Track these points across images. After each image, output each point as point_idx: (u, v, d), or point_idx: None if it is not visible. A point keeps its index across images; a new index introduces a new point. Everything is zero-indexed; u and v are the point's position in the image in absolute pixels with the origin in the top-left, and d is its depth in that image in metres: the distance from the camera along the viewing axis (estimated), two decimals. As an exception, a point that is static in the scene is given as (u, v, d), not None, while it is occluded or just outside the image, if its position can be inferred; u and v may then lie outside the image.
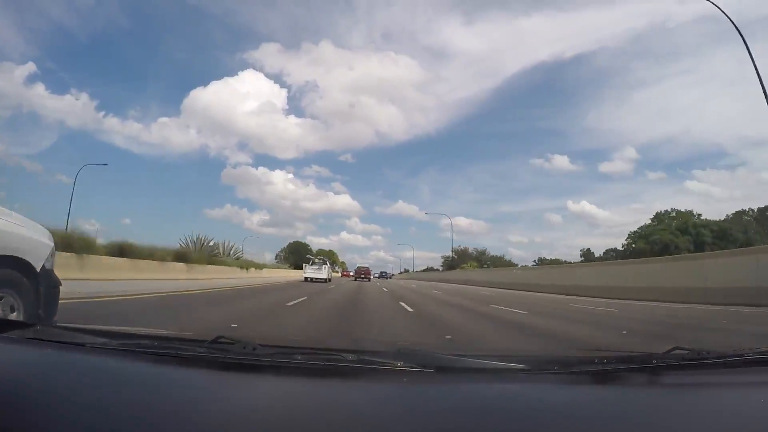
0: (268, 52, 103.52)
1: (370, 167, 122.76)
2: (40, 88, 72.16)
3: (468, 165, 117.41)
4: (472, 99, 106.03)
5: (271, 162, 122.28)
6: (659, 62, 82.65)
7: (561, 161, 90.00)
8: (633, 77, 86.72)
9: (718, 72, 73.08)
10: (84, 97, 79.92)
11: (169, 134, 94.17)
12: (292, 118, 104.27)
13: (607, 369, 0.97)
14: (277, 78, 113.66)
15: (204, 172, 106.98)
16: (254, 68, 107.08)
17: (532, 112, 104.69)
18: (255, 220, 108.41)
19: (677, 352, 1.06)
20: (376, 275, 76.14)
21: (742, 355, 1.05)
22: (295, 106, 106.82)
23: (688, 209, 53.41)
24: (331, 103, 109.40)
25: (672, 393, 0.93)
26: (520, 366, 1.04)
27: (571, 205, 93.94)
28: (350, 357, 1.02)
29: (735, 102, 71.46)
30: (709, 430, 0.75)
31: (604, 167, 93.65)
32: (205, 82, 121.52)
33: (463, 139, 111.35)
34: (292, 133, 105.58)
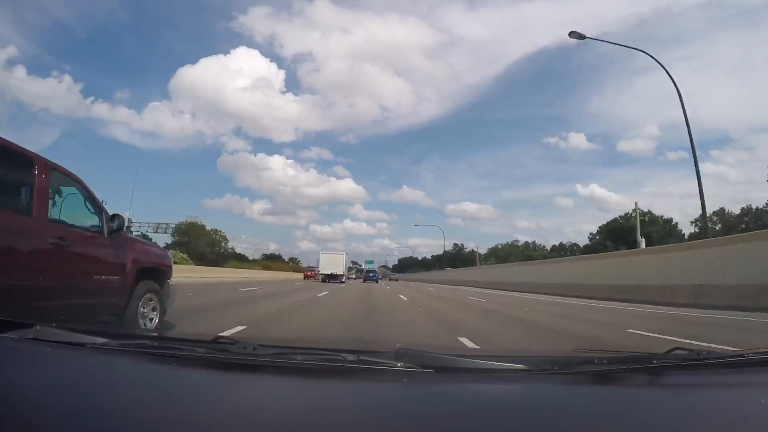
0: (258, 17, 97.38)
1: (373, 149, 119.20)
2: (21, 72, 69.70)
3: (472, 151, 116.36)
4: (477, 86, 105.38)
5: (269, 146, 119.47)
6: (664, 47, 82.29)
7: (577, 139, 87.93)
8: (637, 63, 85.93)
9: (721, 57, 72.88)
10: (67, 79, 75.14)
11: (162, 120, 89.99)
12: (290, 96, 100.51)
13: (607, 369, 0.97)
14: (269, 49, 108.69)
15: (201, 162, 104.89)
16: (244, 38, 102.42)
17: (535, 98, 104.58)
18: (255, 209, 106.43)
19: (677, 352, 1.06)
20: (342, 276, 35.60)
21: (742, 356, 1.05)
22: (291, 81, 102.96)
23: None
24: (331, 74, 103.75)
25: (672, 393, 0.93)
26: (521, 366, 1.04)
27: (581, 189, 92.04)
28: (350, 357, 1.02)
29: (739, 87, 71.13)
30: (709, 430, 0.74)
31: (610, 152, 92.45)
32: (193, 60, 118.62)
33: (468, 126, 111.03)
34: (289, 111, 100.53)
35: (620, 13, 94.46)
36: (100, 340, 1.14)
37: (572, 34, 18.18)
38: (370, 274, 45.01)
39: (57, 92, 74.53)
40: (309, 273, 46.41)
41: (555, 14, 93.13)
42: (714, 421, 0.77)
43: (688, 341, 5.12)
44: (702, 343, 4.82)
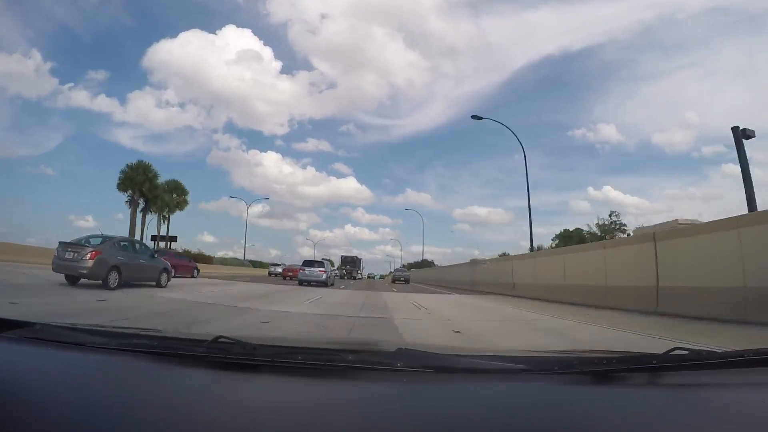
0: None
1: (378, 144, 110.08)
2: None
3: (478, 159, 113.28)
4: (483, 92, 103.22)
5: (262, 140, 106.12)
6: (668, 54, 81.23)
7: (608, 130, 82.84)
8: (642, 69, 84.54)
9: (726, 63, 71.98)
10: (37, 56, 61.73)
11: (148, 113, 78.49)
12: (283, 77, 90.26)
13: (607, 369, 0.97)
14: (256, 19, 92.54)
15: (191, 162, 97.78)
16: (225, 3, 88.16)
17: (539, 105, 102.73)
18: (252, 212, 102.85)
19: (677, 352, 1.06)
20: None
21: (742, 355, 1.05)
22: (281, 54, 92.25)
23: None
24: (329, 38, 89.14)
25: (672, 393, 0.93)
26: (521, 366, 1.04)
27: (593, 191, 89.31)
28: (350, 357, 1.02)
29: (745, 93, 70.45)
30: (709, 430, 0.74)
31: (620, 156, 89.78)
32: (173, 33, 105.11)
33: (473, 133, 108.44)
34: (282, 90, 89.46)
35: (624, 20, 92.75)
36: (99, 339, 1.14)
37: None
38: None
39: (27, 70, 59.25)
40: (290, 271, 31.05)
41: (559, 22, 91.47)
42: (714, 421, 0.77)
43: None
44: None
